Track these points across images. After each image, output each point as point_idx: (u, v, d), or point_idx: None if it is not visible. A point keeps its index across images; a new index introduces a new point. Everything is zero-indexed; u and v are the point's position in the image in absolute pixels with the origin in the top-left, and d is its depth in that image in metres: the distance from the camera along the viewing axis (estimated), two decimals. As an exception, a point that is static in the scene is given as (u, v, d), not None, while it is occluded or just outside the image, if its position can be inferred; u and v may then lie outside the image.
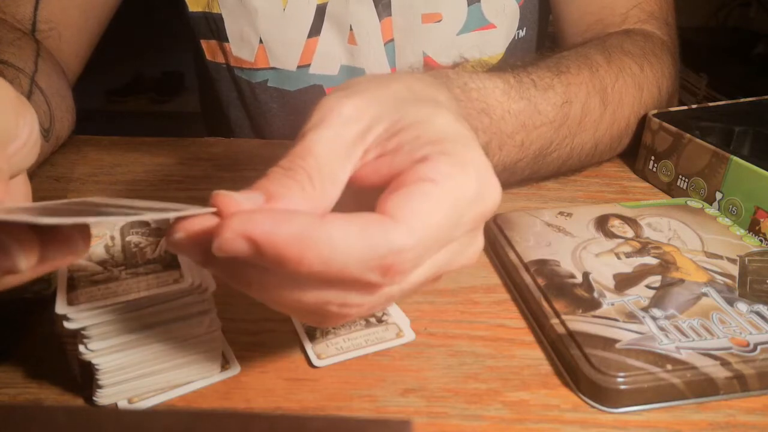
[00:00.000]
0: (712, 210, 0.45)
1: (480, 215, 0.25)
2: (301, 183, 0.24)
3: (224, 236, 0.22)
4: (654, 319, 0.34)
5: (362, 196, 0.26)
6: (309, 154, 0.25)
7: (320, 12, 0.61)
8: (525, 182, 0.51)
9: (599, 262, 0.39)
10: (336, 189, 0.25)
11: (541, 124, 0.45)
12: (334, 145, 0.25)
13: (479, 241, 0.27)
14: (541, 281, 0.37)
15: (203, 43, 0.68)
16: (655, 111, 0.53)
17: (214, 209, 0.23)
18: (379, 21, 0.61)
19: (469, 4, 0.62)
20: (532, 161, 0.47)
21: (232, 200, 0.23)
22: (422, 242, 0.23)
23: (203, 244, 0.23)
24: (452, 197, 0.24)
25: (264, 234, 0.21)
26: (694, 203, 0.46)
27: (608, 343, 0.33)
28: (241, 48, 0.64)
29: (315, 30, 0.62)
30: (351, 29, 0.62)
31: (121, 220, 0.26)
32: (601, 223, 0.43)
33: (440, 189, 0.24)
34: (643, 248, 0.40)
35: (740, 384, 0.31)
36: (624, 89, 0.51)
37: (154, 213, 0.24)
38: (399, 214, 0.23)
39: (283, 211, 0.23)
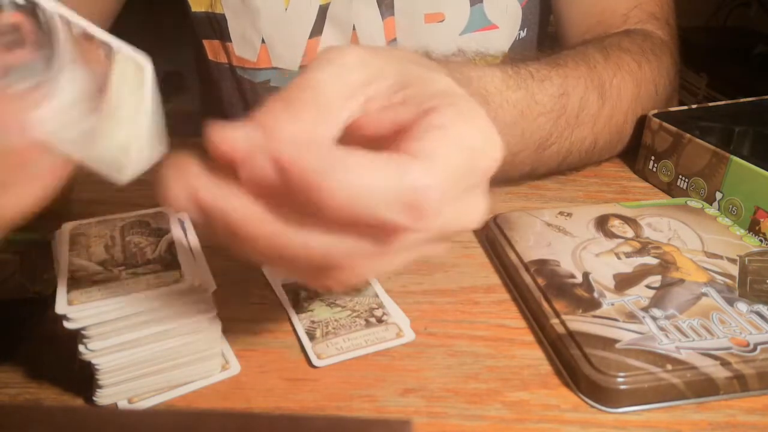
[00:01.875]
0: (712, 210, 0.45)
1: (487, 168, 0.25)
2: (298, 115, 0.24)
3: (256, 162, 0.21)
4: (654, 319, 0.34)
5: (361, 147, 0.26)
6: (309, 86, 0.25)
7: (322, 12, 0.61)
8: (525, 178, 0.51)
9: (599, 262, 0.39)
10: (332, 126, 0.25)
11: (539, 114, 0.45)
12: (336, 82, 0.25)
13: (484, 200, 0.27)
14: (541, 281, 0.37)
15: (206, 43, 0.68)
16: (655, 111, 0.53)
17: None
18: (382, 21, 0.61)
19: (471, 5, 0.62)
20: (533, 153, 0.47)
21: (228, 137, 0.22)
22: (444, 183, 0.23)
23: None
24: (465, 144, 0.24)
25: (292, 157, 0.21)
26: (694, 203, 0.46)
27: (608, 343, 0.33)
28: (243, 48, 0.65)
29: (317, 30, 0.62)
30: (354, 29, 0.62)
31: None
32: (601, 223, 0.43)
33: (453, 135, 0.24)
34: (643, 248, 0.40)
35: (740, 384, 0.31)
36: (622, 85, 0.51)
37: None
38: (420, 155, 0.23)
39: (311, 140, 0.23)
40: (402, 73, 0.26)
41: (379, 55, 0.27)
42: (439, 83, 0.26)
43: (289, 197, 0.22)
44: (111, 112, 0.23)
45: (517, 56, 0.49)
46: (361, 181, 0.21)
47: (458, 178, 0.24)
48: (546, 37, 0.72)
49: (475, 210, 0.26)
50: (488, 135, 0.25)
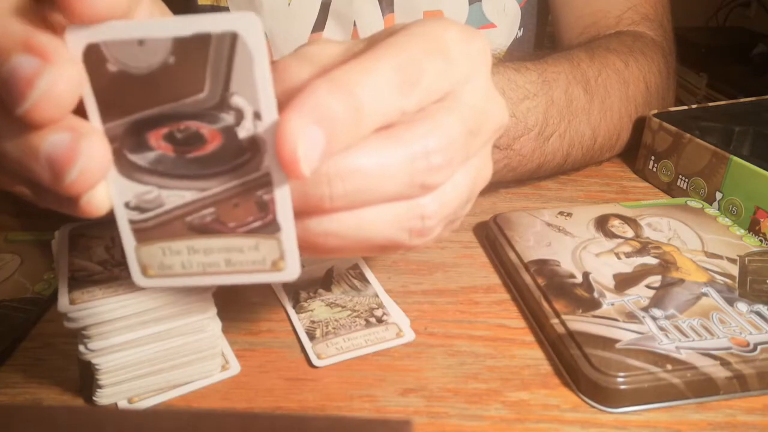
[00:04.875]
0: (712, 210, 0.45)
1: (491, 131, 0.26)
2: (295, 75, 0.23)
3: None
4: (654, 319, 0.34)
5: None
6: (302, 54, 0.24)
7: (324, 7, 0.62)
8: (533, 176, 0.51)
9: (599, 262, 0.39)
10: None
11: (524, 97, 0.46)
12: (326, 48, 0.25)
13: (491, 163, 0.27)
14: (541, 281, 0.37)
15: None
16: (655, 111, 0.53)
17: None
18: (383, 17, 0.62)
19: (470, 3, 0.62)
20: (534, 142, 0.47)
21: None
22: (449, 149, 0.23)
23: None
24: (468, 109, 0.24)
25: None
26: (694, 203, 0.46)
27: (608, 343, 0.33)
28: None
29: (319, 25, 0.63)
30: (355, 25, 0.62)
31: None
32: (601, 223, 0.43)
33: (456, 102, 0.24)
34: (643, 248, 0.40)
35: (740, 384, 0.31)
36: (608, 83, 0.52)
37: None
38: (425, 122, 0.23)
39: None
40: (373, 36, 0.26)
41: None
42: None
43: None
44: None
45: (514, 56, 0.49)
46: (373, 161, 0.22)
47: (465, 142, 0.24)
48: (544, 38, 0.72)
49: (486, 171, 0.27)
50: (491, 95, 0.26)
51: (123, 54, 0.20)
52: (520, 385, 0.32)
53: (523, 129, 0.46)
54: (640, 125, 0.54)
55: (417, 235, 0.24)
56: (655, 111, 0.53)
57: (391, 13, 0.62)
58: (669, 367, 0.31)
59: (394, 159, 0.22)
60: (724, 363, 0.31)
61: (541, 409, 0.31)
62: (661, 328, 0.33)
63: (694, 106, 0.55)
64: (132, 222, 0.23)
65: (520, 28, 0.66)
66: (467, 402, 0.31)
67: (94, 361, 0.29)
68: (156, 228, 0.23)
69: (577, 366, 0.32)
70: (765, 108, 0.55)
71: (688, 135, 0.49)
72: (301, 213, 0.23)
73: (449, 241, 0.44)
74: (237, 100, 0.21)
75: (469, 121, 0.24)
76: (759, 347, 0.32)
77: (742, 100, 0.57)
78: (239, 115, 0.21)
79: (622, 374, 0.31)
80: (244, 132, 0.21)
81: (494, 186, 0.51)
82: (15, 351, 0.34)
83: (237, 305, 0.37)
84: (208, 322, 0.31)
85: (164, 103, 0.21)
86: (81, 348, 0.29)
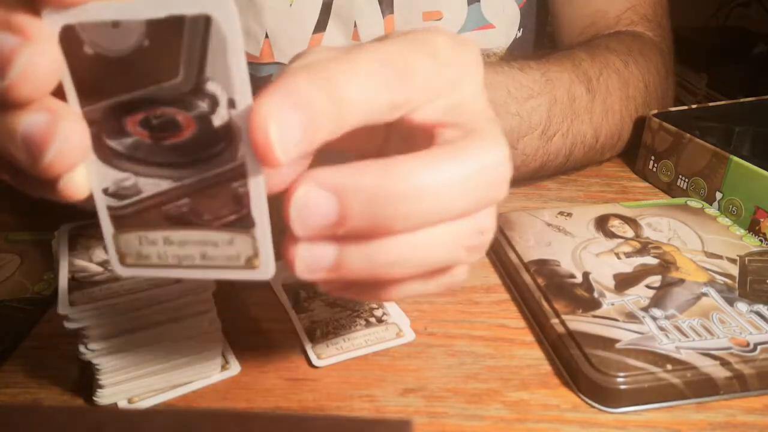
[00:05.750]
0: (712, 210, 0.45)
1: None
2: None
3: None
4: (654, 319, 0.34)
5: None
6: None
7: (326, 8, 0.62)
8: (536, 176, 0.51)
9: (599, 262, 0.39)
10: None
11: (529, 96, 0.46)
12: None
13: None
14: (541, 281, 0.37)
15: None
16: (655, 111, 0.53)
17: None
18: (383, 18, 0.62)
19: (469, 4, 0.62)
20: (537, 141, 0.47)
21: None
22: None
23: None
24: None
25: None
26: (694, 203, 0.46)
27: (608, 343, 0.33)
28: (246, 42, 0.65)
29: (321, 26, 0.63)
30: (355, 26, 0.62)
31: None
32: (601, 223, 0.43)
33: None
34: (643, 248, 0.40)
35: (740, 384, 0.31)
36: (609, 82, 0.52)
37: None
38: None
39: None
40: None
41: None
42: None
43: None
44: None
45: (514, 57, 0.49)
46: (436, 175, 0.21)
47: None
48: (544, 38, 0.72)
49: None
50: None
51: (98, 36, 0.20)
52: (520, 385, 0.32)
53: (527, 128, 0.46)
54: (640, 125, 0.54)
55: (474, 251, 0.24)
56: (655, 111, 0.53)
57: (391, 14, 0.62)
58: (669, 367, 0.31)
59: (468, 173, 0.22)
60: (724, 363, 0.31)
61: (541, 409, 0.31)
62: (661, 328, 0.33)
63: (694, 106, 0.55)
64: (110, 209, 0.22)
65: (519, 29, 0.66)
66: (467, 402, 0.31)
67: (94, 361, 0.29)
68: (133, 216, 0.22)
69: (577, 366, 0.32)
70: (765, 108, 0.55)
71: (688, 135, 0.49)
72: (364, 237, 0.22)
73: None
74: (212, 87, 0.20)
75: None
76: (759, 347, 0.32)
77: (742, 100, 0.57)
78: (214, 102, 0.21)
79: (622, 374, 0.31)
80: (218, 120, 0.21)
81: None
82: (15, 351, 0.34)
83: (237, 305, 0.37)
84: (208, 322, 0.31)
85: (140, 87, 0.21)
86: (81, 348, 0.29)
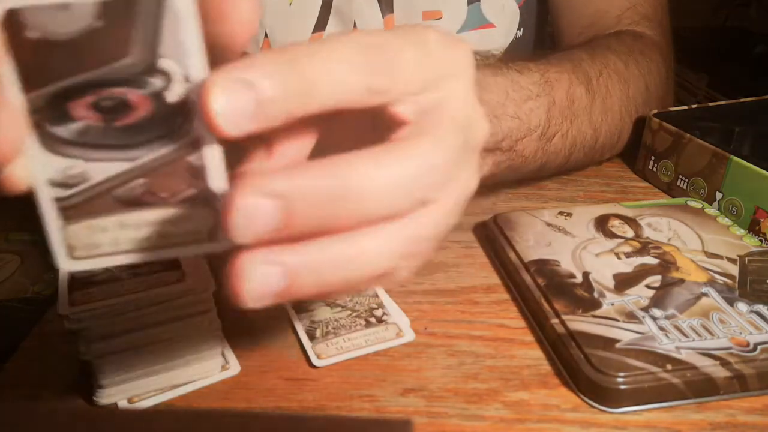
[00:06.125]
0: (712, 210, 0.45)
1: (479, 140, 0.25)
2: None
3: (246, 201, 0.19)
4: (654, 319, 0.34)
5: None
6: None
7: (326, 7, 0.62)
8: (536, 176, 0.51)
9: (599, 262, 0.39)
10: None
11: (527, 98, 0.46)
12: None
13: (477, 175, 0.26)
14: (541, 281, 0.37)
15: None
16: (655, 111, 0.53)
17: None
18: (382, 18, 0.62)
19: (468, 3, 0.62)
20: (536, 142, 0.47)
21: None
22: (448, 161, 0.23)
23: None
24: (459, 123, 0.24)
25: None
26: (694, 203, 0.46)
27: (608, 343, 0.33)
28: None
29: (320, 25, 0.63)
30: (355, 25, 0.62)
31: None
32: (601, 223, 0.43)
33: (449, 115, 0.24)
34: (643, 248, 0.40)
35: (740, 384, 0.31)
36: (609, 82, 0.52)
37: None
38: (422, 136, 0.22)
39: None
40: None
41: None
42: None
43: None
44: None
45: (513, 56, 0.49)
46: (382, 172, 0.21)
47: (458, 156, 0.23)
48: (544, 38, 0.72)
49: (472, 180, 0.26)
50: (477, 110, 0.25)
51: (45, 19, 0.19)
52: (520, 385, 0.32)
53: (526, 130, 0.46)
54: (640, 125, 0.54)
55: (410, 258, 0.23)
56: (655, 111, 0.53)
57: (390, 14, 0.62)
58: (669, 367, 0.31)
59: (400, 171, 0.21)
60: (724, 363, 0.31)
61: (541, 409, 0.31)
62: (661, 328, 0.33)
63: (694, 106, 0.55)
64: (58, 200, 0.21)
65: (519, 28, 0.66)
66: (467, 402, 0.31)
67: (94, 361, 0.29)
68: (82, 205, 0.22)
69: (577, 366, 0.32)
70: (765, 108, 0.55)
71: (688, 135, 0.49)
72: (295, 242, 0.21)
73: (449, 241, 0.44)
74: (165, 64, 0.20)
75: (464, 131, 0.24)
76: (759, 347, 0.32)
77: (742, 100, 0.57)
78: (168, 79, 0.20)
79: (622, 374, 0.31)
80: (173, 96, 0.20)
81: (495, 186, 0.51)
82: (15, 351, 0.34)
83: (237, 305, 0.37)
84: (208, 322, 0.31)
85: (89, 69, 0.20)
86: (81, 348, 0.29)
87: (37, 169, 0.21)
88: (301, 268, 0.21)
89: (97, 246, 0.22)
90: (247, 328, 0.36)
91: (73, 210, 0.22)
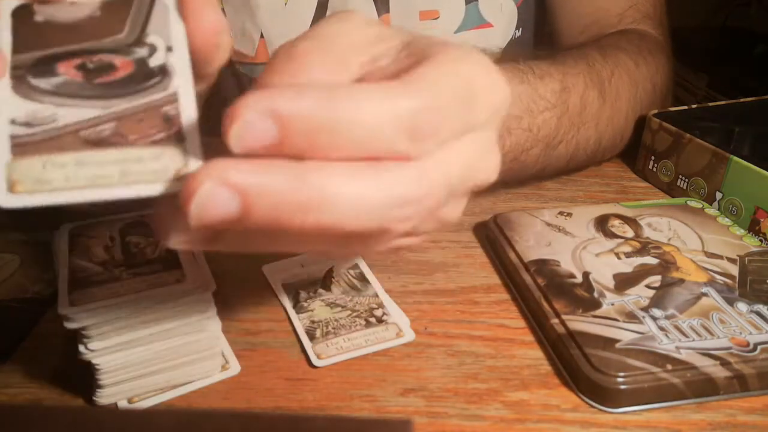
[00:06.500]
0: (712, 210, 0.45)
1: (493, 106, 0.24)
2: (306, 67, 0.22)
3: (246, 118, 0.19)
4: (654, 319, 0.34)
5: None
6: (319, 36, 0.23)
7: (321, 7, 0.62)
8: (535, 178, 0.51)
9: (599, 262, 0.39)
10: (345, 75, 0.23)
11: (545, 108, 0.45)
12: (347, 35, 0.23)
13: (497, 153, 0.25)
14: (541, 281, 0.37)
15: None
16: (655, 111, 0.53)
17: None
18: (378, 17, 0.62)
19: (466, 3, 0.62)
20: (542, 151, 0.47)
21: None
22: (437, 101, 0.21)
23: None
24: (461, 69, 0.22)
25: (289, 105, 0.19)
26: (694, 203, 0.46)
27: (608, 343, 0.33)
28: (241, 42, 0.65)
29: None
30: None
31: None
32: (601, 223, 0.43)
33: (447, 60, 0.22)
34: (643, 248, 0.40)
35: (740, 384, 0.31)
36: (620, 84, 0.51)
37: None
38: (406, 78, 0.21)
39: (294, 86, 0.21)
40: (408, 35, 0.24)
41: (383, 23, 0.26)
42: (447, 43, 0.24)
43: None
44: None
45: (512, 56, 0.49)
46: (361, 112, 0.20)
47: (457, 100, 0.22)
48: (543, 38, 0.72)
49: (490, 159, 0.24)
50: (494, 74, 0.23)
51: (53, 10, 0.22)
52: (520, 385, 0.32)
53: (533, 142, 0.46)
54: (640, 125, 0.54)
55: (398, 223, 0.21)
56: (655, 111, 0.53)
57: (386, 13, 0.62)
58: (669, 367, 0.31)
59: (382, 107, 0.20)
60: (724, 363, 0.31)
61: (541, 409, 0.31)
62: (661, 328, 0.33)
63: (694, 106, 0.55)
64: (13, 137, 0.21)
65: (518, 28, 0.66)
66: (467, 402, 0.31)
67: (94, 361, 0.29)
68: (42, 142, 0.21)
69: (577, 366, 0.32)
70: (765, 108, 0.55)
71: (688, 135, 0.49)
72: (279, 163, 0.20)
73: (449, 241, 0.44)
74: (152, 38, 0.23)
75: (462, 91, 0.22)
76: (759, 347, 0.32)
77: (742, 100, 0.57)
78: (153, 49, 0.23)
79: (622, 374, 0.31)
80: (156, 61, 0.23)
81: (495, 186, 0.51)
82: (15, 351, 0.34)
83: (237, 305, 0.37)
84: (208, 322, 0.31)
85: (83, 42, 0.23)
86: (81, 348, 0.29)
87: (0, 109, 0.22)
88: (261, 191, 0.20)
89: (47, 181, 0.21)
90: (247, 328, 0.36)
91: (30, 146, 0.21)
